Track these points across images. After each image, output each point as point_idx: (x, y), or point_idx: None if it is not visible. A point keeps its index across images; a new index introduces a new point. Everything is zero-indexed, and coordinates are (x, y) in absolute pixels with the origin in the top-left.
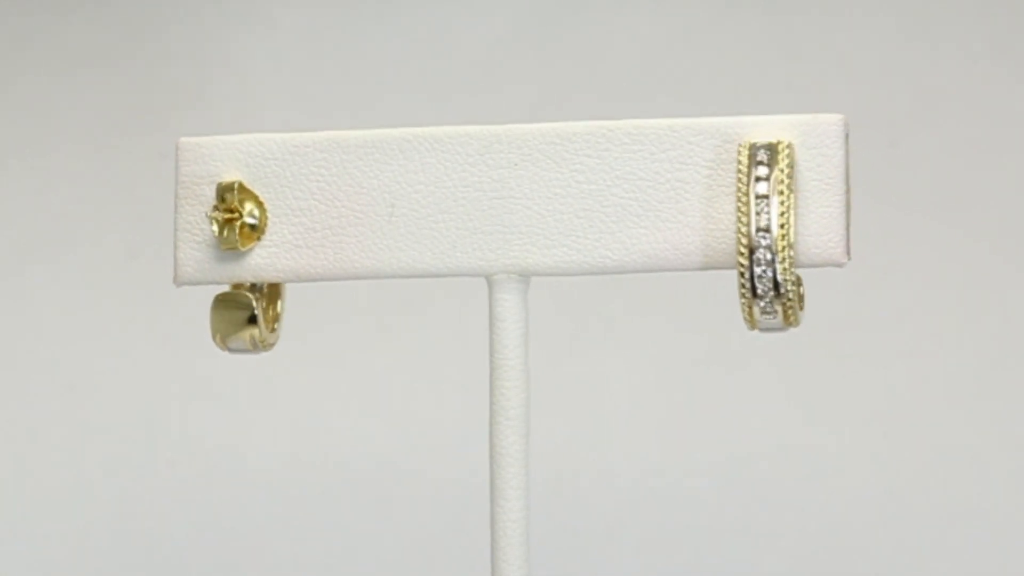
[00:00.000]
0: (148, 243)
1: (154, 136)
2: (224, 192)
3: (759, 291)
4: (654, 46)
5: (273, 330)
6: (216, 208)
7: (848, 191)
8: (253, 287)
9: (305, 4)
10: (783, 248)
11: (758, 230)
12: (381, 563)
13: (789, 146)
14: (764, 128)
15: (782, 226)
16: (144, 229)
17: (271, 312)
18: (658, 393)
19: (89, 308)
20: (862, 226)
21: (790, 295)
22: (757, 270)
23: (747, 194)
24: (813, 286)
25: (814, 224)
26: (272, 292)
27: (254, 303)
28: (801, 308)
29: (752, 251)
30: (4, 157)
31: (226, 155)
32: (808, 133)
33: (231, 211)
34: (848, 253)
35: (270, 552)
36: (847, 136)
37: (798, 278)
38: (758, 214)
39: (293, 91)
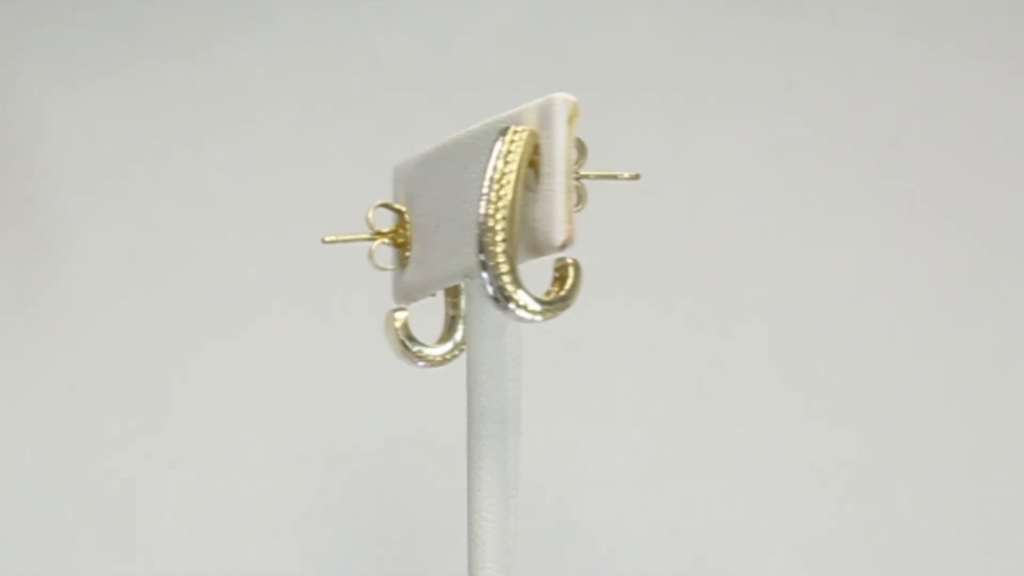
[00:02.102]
0: (148, 243)
1: (152, 137)
2: (366, 216)
3: (488, 289)
4: (654, 46)
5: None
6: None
7: (567, 172)
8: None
9: (305, 4)
10: (490, 243)
11: (481, 225)
12: (376, 564)
13: (521, 131)
14: (529, 115)
15: (491, 215)
16: (144, 229)
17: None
18: (657, 392)
19: (90, 309)
20: (863, 226)
21: (507, 292)
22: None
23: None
24: (814, 286)
25: (540, 210)
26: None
27: (396, 320)
28: (560, 293)
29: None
30: (4, 158)
31: (398, 178)
32: (543, 116)
33: (379, 234)
34: (568, 237)
35: (265, 551)
36: (571, 116)
37: (573, 263)
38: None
39: (293, 91)
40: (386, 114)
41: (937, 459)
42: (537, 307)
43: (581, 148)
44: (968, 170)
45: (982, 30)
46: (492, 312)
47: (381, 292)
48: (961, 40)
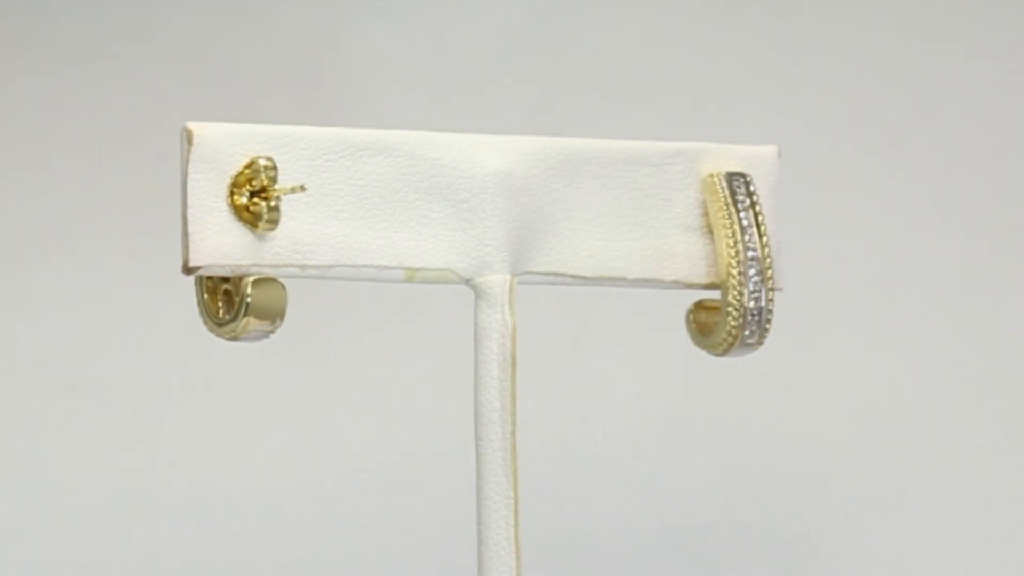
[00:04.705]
0: (148, 244)
1: (153, 137)
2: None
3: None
4: (654, 46)
5: None
6: None
7: (184, 198)
8: None
9: (305, 3)
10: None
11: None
12: (382, 565)
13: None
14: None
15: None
16: (145, 230)
17: None
18: (657, 392)
19: (90, 309)
20: (862, 226)
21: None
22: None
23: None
24: (812, 286)
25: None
26: None
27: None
28: (228, 319)
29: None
30: (4, 158)
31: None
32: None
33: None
34: (183, 262)
35: (265, 552)
36: (188, 140)
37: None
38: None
39: (292, 90)
40: (386, 114)
41: (936, 459)
42: (214, 329)
43: (269, 166)
44: (968, 170)
45: (982, 30)
46: (484, 315)
47: (381, 293)
48: (961, 40)
